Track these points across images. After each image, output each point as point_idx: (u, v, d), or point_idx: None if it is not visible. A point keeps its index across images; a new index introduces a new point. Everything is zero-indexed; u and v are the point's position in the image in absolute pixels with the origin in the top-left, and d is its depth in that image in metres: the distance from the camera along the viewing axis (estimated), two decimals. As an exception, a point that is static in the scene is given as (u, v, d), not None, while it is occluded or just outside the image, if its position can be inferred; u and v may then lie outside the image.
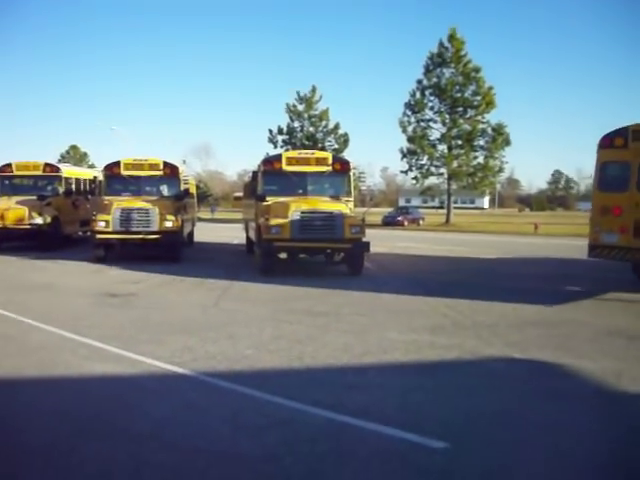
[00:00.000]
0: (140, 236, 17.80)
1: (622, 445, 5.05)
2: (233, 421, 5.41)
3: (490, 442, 5.02)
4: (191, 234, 25.25)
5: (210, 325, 9.38)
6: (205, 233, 29.34)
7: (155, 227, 17.86)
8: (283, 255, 15.95)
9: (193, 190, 27.05)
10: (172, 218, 18.06)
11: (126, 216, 17.87)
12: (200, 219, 35.11)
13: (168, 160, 20.60)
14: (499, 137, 48.02)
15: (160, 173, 20.13)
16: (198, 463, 4.60)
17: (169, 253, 18.32)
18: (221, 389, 6.34)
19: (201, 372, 6.85)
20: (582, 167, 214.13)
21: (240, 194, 27.50)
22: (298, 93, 57.35)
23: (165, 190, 20.26)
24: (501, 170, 51.25)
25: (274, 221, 15.21)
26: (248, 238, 21.81)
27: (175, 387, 6.46)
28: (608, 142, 13.55)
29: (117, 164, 20.02)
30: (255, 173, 18.54)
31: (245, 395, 6.11)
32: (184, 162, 60.71)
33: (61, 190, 22.86)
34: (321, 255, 16.66)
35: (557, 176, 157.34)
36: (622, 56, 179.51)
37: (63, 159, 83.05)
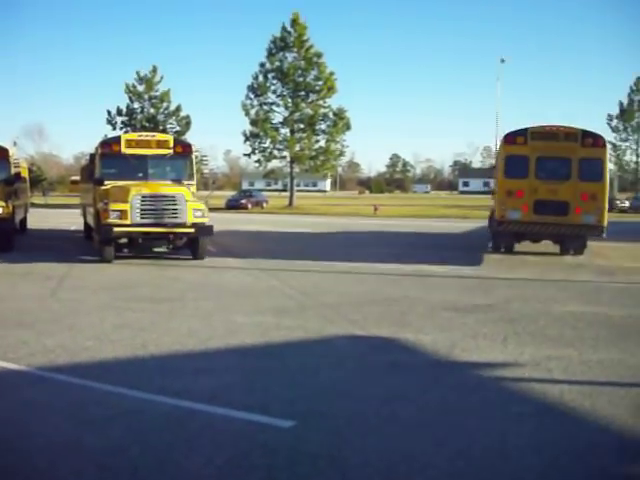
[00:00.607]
0: (-35, 224, 16.53)
1: (456, 411, 5.42)
2: (75, 416, 5.20)
3: (335, 417, 5.20)
4: (24, 221, 23.82)
5: (47, 317, 8.92)
6: (39, 219, 27.76)
7: (-18, 214, 16.63)
8: (124, 241, 15.46)
9: (25, 174, 25.49)
10: (2, 204, 16.90)
11: (-52, 203, 16.49)
12: (33, 205, 33.16)
13: (-5, 142, 19.21)
14: (340, 121, 49.28)
15: (-14, 156, 18.71)
16: (39, 462, 4.39)
17: (-1, 242, 17.16)
18: (61, 383, 6.07)
19: (39, 367, 6.51)
20: (418, 151, 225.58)
21: (77, 178, 26.34)
22: (138, 73, 55.48)
23: (-7, 174, 18.87)
24: (342, 154, 52.77)
25: (113, 206, 14.69)
26: (86, 224, 20.95)
27: (11, 384, 6.09)
28: (511, 139, 17.11)
29: None
30: (93, 156, 17.77)
31: (86, 388, 5.89)
32: (15, 144, 56.80)
33: None
34: (164, 240, 16.32)
35: (395, 159, 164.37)
36: (457, 46, 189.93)
37: None
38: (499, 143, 17.57)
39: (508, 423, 5.14)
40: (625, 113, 71.32)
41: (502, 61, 60.04)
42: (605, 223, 16.49)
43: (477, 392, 5.91)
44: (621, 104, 71.89)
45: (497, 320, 8.94)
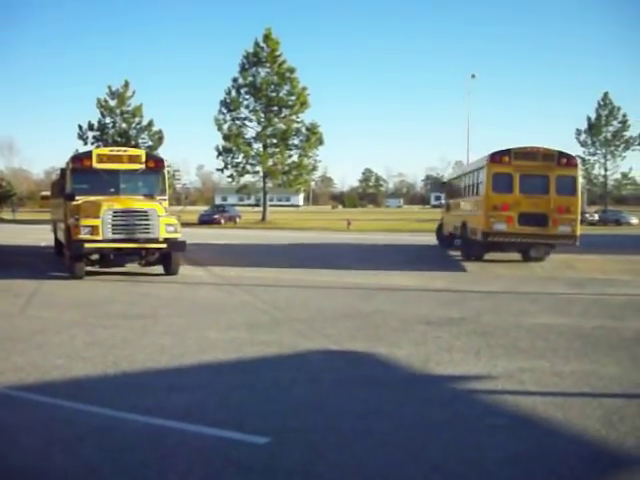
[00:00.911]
0: None
1: (431, 424, 5.42)
2: (45, 435, 5.10)
3: (310, 432, 5.16)
4: (-8, 237, 23.50)
5: (17, 335, 8.76)
6: (9, 235, 27.40)
7: (-51, 231, 16.37)
8: (95, 257, 15.28)
9: (-6, 190, 25.24)
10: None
11: None
12: (2, 220, 32.72)
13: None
14: (313, 136, 49.50)
15: (-46, 172, 18.46)
16: (6, 483, 4.30)
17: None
18: (31, 402, 5.95)
19: (8, 386, 6.38)
20: (390, 165, 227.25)
21: (48, 193, 26.09)
22: (110, 88, 55.31)
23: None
24: (315, 168, 52.99)
25: (84, 221, 14.53)
26: (57, 240, 20.69)
27: (-22, 404, 5.97)
28: (497, 159, 18.70)
29: None
30: (63, 171, 17.59)
31: (57, 406, 5.78)
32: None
33: None
34: (136, 256, 16.17)
35: (368, 174, 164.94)
36: (428, 61, 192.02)
37: None
38: (485, 162, 18.92)
39: (482, 435, 5.15)
40: (593, 128, 72.56)
41: (472, 76, 60.96)
42: (578, 233, 18.23)
43: (451, 405, 5.91)
44: (589, 119, 73.14)
45: (470, 333, 8.98)
